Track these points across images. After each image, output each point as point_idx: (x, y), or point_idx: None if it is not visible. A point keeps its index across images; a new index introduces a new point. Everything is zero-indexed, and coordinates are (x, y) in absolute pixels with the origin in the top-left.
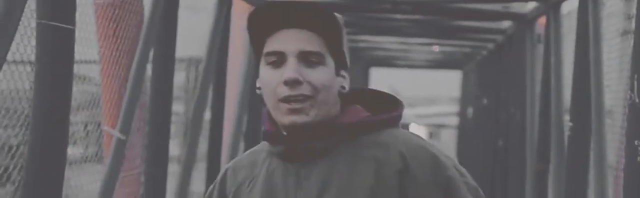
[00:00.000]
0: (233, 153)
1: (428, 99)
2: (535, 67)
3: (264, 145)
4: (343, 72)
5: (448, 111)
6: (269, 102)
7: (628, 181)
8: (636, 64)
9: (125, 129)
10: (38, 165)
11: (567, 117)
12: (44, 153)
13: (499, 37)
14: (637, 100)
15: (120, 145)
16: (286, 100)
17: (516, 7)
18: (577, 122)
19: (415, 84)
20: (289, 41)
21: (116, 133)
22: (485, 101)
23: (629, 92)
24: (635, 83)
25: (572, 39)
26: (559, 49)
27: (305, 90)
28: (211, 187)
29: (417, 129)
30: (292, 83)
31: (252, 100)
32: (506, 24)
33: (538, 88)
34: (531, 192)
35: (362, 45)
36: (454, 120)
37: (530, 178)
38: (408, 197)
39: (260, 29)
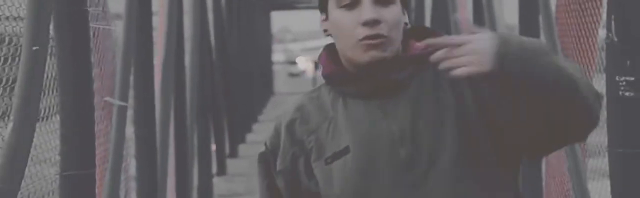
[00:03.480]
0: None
1: (311, 32)
2: (456, 5)
3: (320, 90)
4: (404, 9)
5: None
6: (346, 42)
7: (611, 114)
8: (612, 5)
9: (124, 97)
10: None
11: None
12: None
13: None
14: (615, 39)
15: (122, 112)
16: (365, 39)
17: None
18: None
19: (303, 21)
20: None
21: (117, 102)
22: None
23: (607, 31)
24: (613, 23)
25: None
26: None
27: (382, 29)
28: (274, 134)
29: (304, 62)
30: (372, 23)
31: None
32: None
33: (462, 24)
34: None
35: None
36: None
37: None
38: (476, 91)
39: None
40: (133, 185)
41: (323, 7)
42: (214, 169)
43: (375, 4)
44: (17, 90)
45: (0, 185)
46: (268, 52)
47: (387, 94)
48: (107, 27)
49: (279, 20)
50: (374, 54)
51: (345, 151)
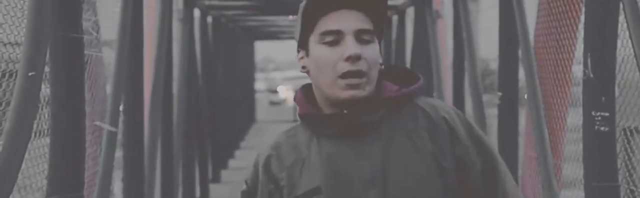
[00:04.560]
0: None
1: (292, 62)
2: (436, 41)
3: (297, 129)
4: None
5: None
6: (325, 79)
7: (587, 149)
8: (589, 43)
9: (114, 122)
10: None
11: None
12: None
13: (391, 13)
14: (591, 76)
15: (112, 137)
16: (346, 75)
17: None
18: (506, 90)
19: (285, 51)
20: (345, 21)
21: (107, 127)
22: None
23: (583, 68)
24: (589, 60)
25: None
26: (469, 22)
27: (363, 66)
28: (253, 172)
29: (285, 91)
30: (355, 58)
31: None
32: (400, 0)
33: (443, 58)
34: None
35: (250, 23)
36: None
37: None
38: (456, 155)
39: (315, 10)
40: None
41: (303, 44)
42: (198, 194)
43: (357, 41)
44: (10, 115)
45: None
46: (251, 80)
47: (358, 135)
48: (99, 54)
49: (263, 49)
50: (352, 93)
51: (316, 191)
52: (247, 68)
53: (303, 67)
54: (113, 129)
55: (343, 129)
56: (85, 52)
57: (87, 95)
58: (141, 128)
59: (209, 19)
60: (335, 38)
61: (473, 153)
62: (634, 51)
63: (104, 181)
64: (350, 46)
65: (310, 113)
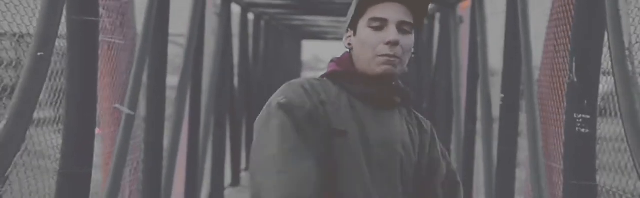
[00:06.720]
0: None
1: None
2: (458, 43)
3: (324, 81)
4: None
5: None
6: (366, 56)
7: (569, 149)
8: (574, 48)
9: (133, 107)
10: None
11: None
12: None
13: None
14: (575, 80)
15: (130, 120)
16: (383, 55)
17: None
18: (507, 92)
19: (334, 51)
20: (392, 12)
21: (126, 110)
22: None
23: (568, 72)
24: (574, 64)
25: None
26: (484, 28)
27: (398, 51)
28: (306, 88)
29: None
30: (394, 44)
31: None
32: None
33: (462, 60)
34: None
35: (296, 23)
36: None
37: (458, 139)
38: (431, 155)
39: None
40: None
41: (353, 26)
42: (230, 181)
43: (398, 30)
44: (16, 92)
45: None
46: (296, 77)
47: (380, 107)
48: (120, 42)
49: (311, 49)
50: (386, 68)
51: (343, 133)
52: (293, 66)
53: (349, 44)
54: (131, 112)
55: (375, 91)
56: (108, 38)
57: (108, 79)
58: (162, 114)
59: (251, 16)
60: (380, 24)
61: (442, 156)
62: (611, 61)
63: (119, 162)
64: (392, 33)
65: (352, 72)
